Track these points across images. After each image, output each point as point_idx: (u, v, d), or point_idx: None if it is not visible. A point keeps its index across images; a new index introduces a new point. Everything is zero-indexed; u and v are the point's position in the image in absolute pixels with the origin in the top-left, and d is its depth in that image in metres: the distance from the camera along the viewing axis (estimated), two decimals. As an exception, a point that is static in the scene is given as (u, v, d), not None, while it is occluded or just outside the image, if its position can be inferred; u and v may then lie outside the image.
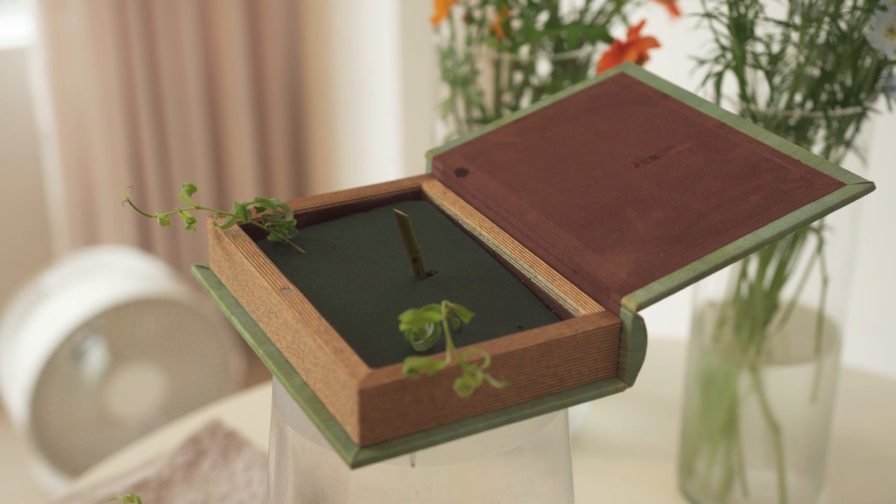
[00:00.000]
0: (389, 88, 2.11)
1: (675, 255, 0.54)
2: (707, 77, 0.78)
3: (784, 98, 0.77)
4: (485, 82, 0.89)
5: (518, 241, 0.59)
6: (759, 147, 0.59)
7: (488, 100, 0.89)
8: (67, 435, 1.91)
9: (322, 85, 2.32)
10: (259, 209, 0.59)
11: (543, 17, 0.89)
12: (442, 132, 0.91)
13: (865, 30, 0.73)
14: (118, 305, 1.87)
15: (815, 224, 0.80)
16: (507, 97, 0.89)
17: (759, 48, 0.77)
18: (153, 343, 1.93)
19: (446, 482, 0.54)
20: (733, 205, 0.56)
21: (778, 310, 0.82)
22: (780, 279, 0.81)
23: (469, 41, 0.88)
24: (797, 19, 0.75)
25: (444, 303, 0.51)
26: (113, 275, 1.97)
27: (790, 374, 0.84)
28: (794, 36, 0.76)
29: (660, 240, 0.55)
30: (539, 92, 0.88)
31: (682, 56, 0.83)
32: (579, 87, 0.68)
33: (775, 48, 0.77)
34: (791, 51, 0.76)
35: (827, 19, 0.74)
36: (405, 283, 0.57)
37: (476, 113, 0.89)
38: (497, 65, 0.88)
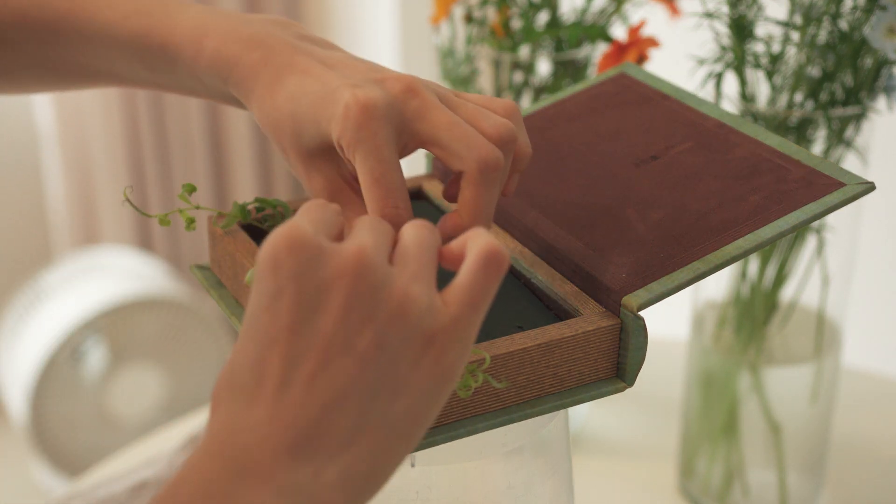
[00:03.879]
0: (389, 88, 2.11)
1: (675, 255, 0.54)
2: (707, 77, 0.78)
3: (784, 98, 0.77)
4: (485, 82, 0.89)
5: (518, 241, 0.59)
6: (759, 147, 0.59)
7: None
8: (67, 435, 1.91)
9: (322, 85, 2.32)
10: (259, 209, 0.59)
11: (544, 18, 0.89)
12: (442, 132, 0.91)
13: (865, 30, 0.73)
14: (118, 305, 1.87)
15: (816, 224, 0.80)
16: (507, 97, 0.89)
17: (760, 48, 0.77)
18: (153, 343, 1.93)
19: (446, 482, 0.54)
20: (733, 205, 0.56)
21: (778, 310, 0.82)
22: (780, 279, 0.81)
23: (469, 41, 0.88)
24: (797, 19, 0.75)
25: (444, 303, 0.50)
26: (113, 275, 1.97)
27: (790, 374, 0.83)
28: (795, 36, 0.76)
29: (660, 240, 0.55)
30: (539, 92, 0.88)
31: (682, 56, 0.83)
32: (579, 87, 0.68)
33: (775, 48, 0.77)
34: (791, 51, 0.76)
35: (827, 19, 0.74)
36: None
37: (476, 113, 0.89)
38: (497, 65, 0.88)
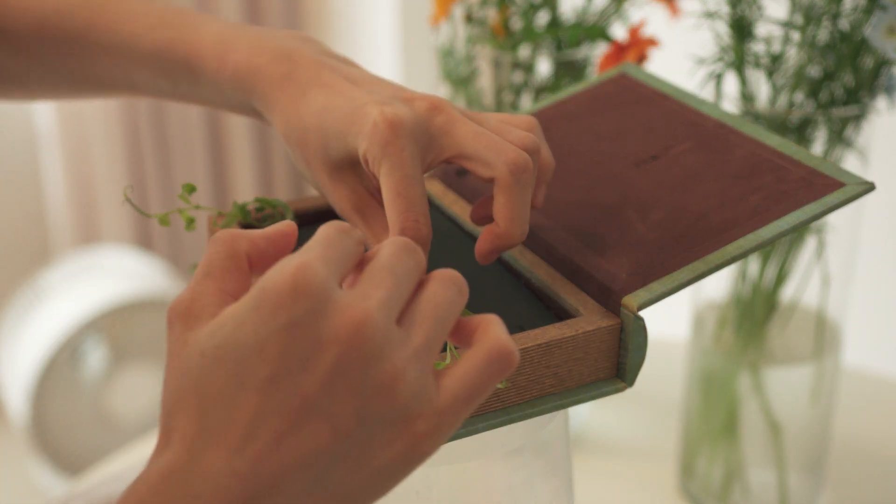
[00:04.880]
0: (389, 88, 2.11)
1: (675, 255, 0.54)
2: (707, 77, 0.78)
3: (784, 98, 0.77)
4: (485, 82, 0.89)
5: (518, 241, 0.59)
6: (759, 147, 0.59)
7: (488, 100, 0.89)
8: (67, 435, 1.91)
9: (322, 85, 2.32)
10: (259, 209, 0.59)
11: (544, 18, 0.89)
12: (442, 132, 0.91)
13: (865, 30, 0.73)
14: (118, 305, 1.87)
15: (815, 224, 0.80)
16: (508, 97, 0.89)
17: (760, 48, 0.77)
18: (153, 343, 1.93)
19: (446, 482, 0.54)
20: (734, 205, 0.56)
21: (778, 310, 0.82)
22: (780, 279, 0.81)
23: (469, 41, 0.89)
24: (797, 19, 0.75)
25: (444, 303, 0.50)
26: (113, 275, 1.97)
27: (790, 374, 0.83)
28: (795, 36, 0.76)
29: (660, 240, 0.55)
30: (539, 92, 0.88)
31: (682, 56, 0.83)
32: (579, 87, 0.68)
33: (775, 48, 0.77)
34: (791, 51, 0.76)
35: (827, 19, 0.74)
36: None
37: (476, 113, 0.89)
38: (497, 65, 0.88)
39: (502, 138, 0.52)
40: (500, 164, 0.50)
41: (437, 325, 0.41)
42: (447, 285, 0.42)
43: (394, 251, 0.41)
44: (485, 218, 0.56)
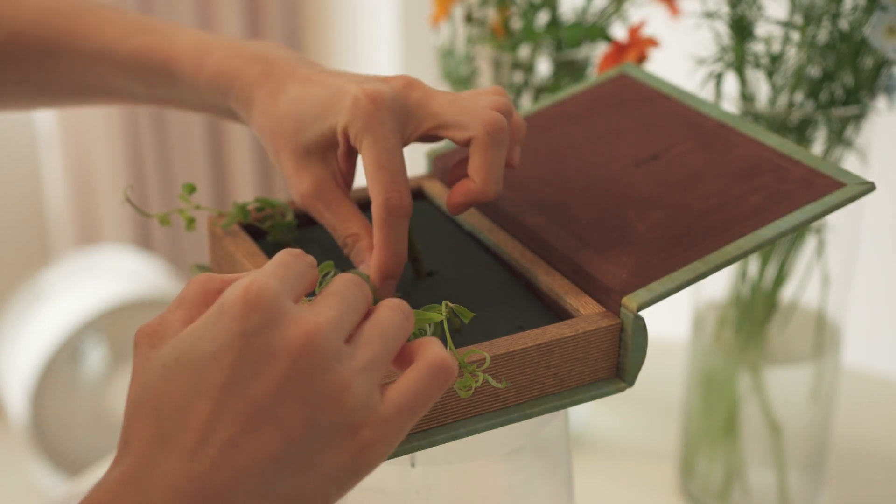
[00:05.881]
0: (389, 88, 2.11)
1: (675, 255, 0.54)
2: (707, 77, 0.78)
3: (784, 98, 0.77)
4: (485, 82, 0.89)
5: (518, 241, 0.59)
6: (759, 147, 0.59)
7: (488, 100, 0.89)
8: (67, 435, 1.91)
9: (322, 85, 2.31)
10: (259, 209, 0.59)
11: (544, 18, 0.89)
12: (442, 132, 0.91)
13: (865, 30, 0.73)
14: (118, 305, 1.87)
15: (816, 224, 0.80)
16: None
17: (760, 48, 0.77)
18: (153, 343, 1.92)
19: (446, 482, 0.54)
20: (734, 205, 0.56)
21: (778, 310, 0.82)
22: (780, 279, 0.81)
23: (469, 41, 0.89)
24: (797, 19, 0.75)
25: (444, 303, 0.51)
26: (113, 274, 1.96)
27: (790, 374, 0.83)
28: (795, 36, 0.76)
29: (660, 240, 0.55)
30: (539, 92, 0.88)
31: (682, 56, 0.83)
32: (579, 87, 0.68)
33: (775, 48, 0.77)
34: (791, 51, 0.76)
35: (827, 19, 0.74)
36: (405, 283, 0.57)
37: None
38: (497, 65, 0.88)
39: (475, 105, 0.54)
40: (477, 125, 0.53)
41: (384, 345, 0.43)
42: (395, 311, 0.44)
43: (344, 282, 0.44)
44: (459, 181, 0.57)
